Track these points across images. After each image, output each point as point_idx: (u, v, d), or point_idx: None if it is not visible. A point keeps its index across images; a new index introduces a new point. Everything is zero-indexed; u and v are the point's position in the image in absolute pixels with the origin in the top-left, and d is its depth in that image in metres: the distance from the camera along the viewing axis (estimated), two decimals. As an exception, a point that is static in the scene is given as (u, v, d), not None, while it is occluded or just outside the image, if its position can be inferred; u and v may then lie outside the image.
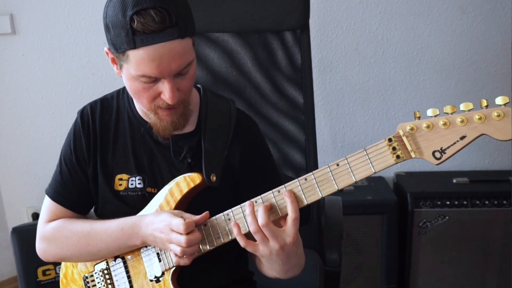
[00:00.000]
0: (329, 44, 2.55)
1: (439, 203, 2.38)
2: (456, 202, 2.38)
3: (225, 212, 1.24)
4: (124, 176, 1.36)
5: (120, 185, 1.36)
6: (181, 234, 1.20)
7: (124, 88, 1.41)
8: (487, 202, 2.37)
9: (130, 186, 1.36)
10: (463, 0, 2.49)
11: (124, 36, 1.15)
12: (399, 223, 2.43)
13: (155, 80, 1.20)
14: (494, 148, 2.64)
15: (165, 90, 1.20)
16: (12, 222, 2.73)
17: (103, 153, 1.38)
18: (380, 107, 2.62)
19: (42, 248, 1.42)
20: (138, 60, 1.16)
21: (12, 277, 2.77)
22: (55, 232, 1.39)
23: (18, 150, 2.73)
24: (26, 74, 2.63)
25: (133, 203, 1.36)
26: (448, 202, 2.38)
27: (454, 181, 2.48)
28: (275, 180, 1.26)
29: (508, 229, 2.36)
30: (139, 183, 1.35)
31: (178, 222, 1.21)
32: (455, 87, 2.58)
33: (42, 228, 1.42)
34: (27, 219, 2.77)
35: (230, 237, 1.24)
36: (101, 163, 1.37)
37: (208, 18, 1.82)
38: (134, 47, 1.15)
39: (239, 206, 1.22)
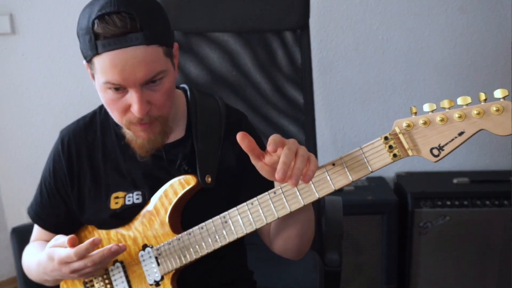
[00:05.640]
0: (329, 44, 2.55)
1: (439, 203, 2.38)
2: (457, 202, 2.38)
3: (222, 215, 1.22)
4: (120, 194, 1.32)
5: (116, 203, 1.32)
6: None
7: None
8: (487, 202, 2.37)
9: (127, 203, 1.32)
10: (463, 0, 2.49)
11: (88, 41, 1.12)
12: (399, 223, 2.42)
13: (123, 90, 1.16)
14: (495, 148, 2.64)
15: (133, 101, 1.16)
16: (12, 222, 2.73)
17: (94, 177, 1.34)
18: (380, 107, 2.61)
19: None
20: (102, 66, 1.13)
21: (12, 277, 2.77)
22: (24, 254, 1.43)
23: (18, 150, 2.73)
24: (26, 74, 2.63)
25: (130, 219, 1.33)
26: (448, 202, 2.38)
27: (455, 181, 2.48)
28: None
29: (509, 229, 2.36)
30: (137, 199, 1.31)
31: (68, 255, 1.18)
32: (455, 87, 2.58)
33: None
34: (27, 219, 2.75)
35: (228, 240, 1.22)
36: (93, 186, 1.33)
37: (208, 18, 1.82)
38: (97, 52, 1.12)
39: (235, 208, 1.20)
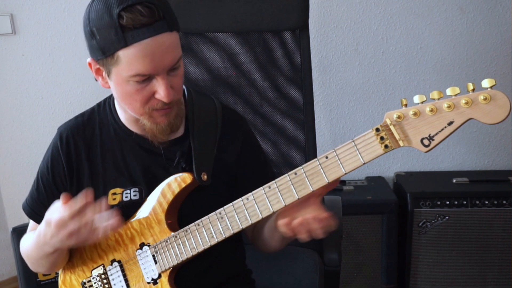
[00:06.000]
0: (329, 44, 2.55)
1: (439, 203, 2.38)
2: (456, 202, 2.38)
3: (218, 211, 1.23)
4: (118, 190, 1.33)
5: (114, 199, 1.33)
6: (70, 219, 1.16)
7: (104, 101, 1.39)
8: (487, 202, 2.37)
9: (124, 199, 1.33)
10: (463, 0, 2.49)
11: (114, 35, 1.12)
12: (399, 223, 2.42)
13: (148, 79, 1.18)
14: (494, 148, 2.64)
15: (159, 88, 1.18)
16: (12, 222, 2.73)
17: (92, 173, 1.34)
18: (380, 107, 2.62)
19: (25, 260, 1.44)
20: (131, 58, 1.14)
21: (12, 277, 2.77)
22: (21, 245, 1.43)
23: (18, 150, 2.73)
24: (26, 74, 2.63)
25: (127, 216, 1.32)
26: (448, 202, 2.38)
27: (454, 181, 2.48)
28: (268, 172, 1.26)
29: (508, 229, 2.36)
30: (135, 195, 1.33)
31: (58, 217, 1.17)
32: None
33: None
34: (27, 219, 2.76)
35: (224, 236, 1.24)
36: (91, 182, 1.34)
37: (208, 18, 1.83)
38: (126, 45, 1.13)
39: (231, 204, 1.22)
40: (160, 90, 1.18)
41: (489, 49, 2.53)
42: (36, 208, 1.40)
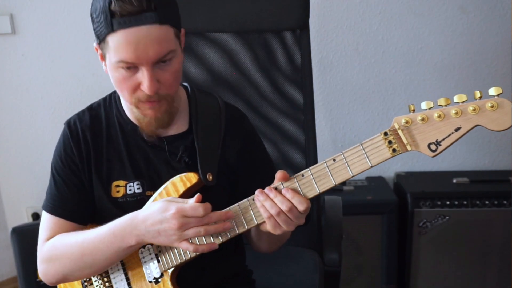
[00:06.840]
0: (329, 44, 2.55)
1: (439, 203, 2.38)
2: (456, 202, 2.38)
3: (223, 211, 1.22)
4: (121, 183, 1.34)
5: (118, 192, 1.33)
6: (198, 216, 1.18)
7: (111, 95, 1.40)
8: (487, 202, 2.37)
9: (128, 192, 1.33)
10: (463, 0, 2.49)
11: (104, 20, 1.16)
12: (399, 223, 2.43)
13: (134, 68, 1.19)
14: (494, 148, 2.64)
15: (144, 79, 1.19)
16: (12, 222, 2.73)
17: (97, 162, 1.34)
18: (380, 107, 2.62)
19: (41, 270, 1.36)
20: (116, 44, 1.16)
21: (12, 277, 2.77)
22: (51, 250, 1.33)
23: (18, 150, 2.73)
24: (26, 74, 2.63)
25: (132, 209, 1.31)
26: (448, 202, 2.38)
27: (454, 181, 2.48)
28: (272, 171, 1.26)
29: (508, 229, 2.36)
30: (138, 188, 1.33)
31: (193, 206, 1.18)
32: (455, 87, 2.58)
33: (40, 249, 1.35)
34: (27, 219, 2.77)
35: (229, 236, 1.23)
36: (96, 172, 1.34)
37: (208, 18, 1.83)
38: (112, 30, 1.15)
39: (236, 204, 1.22)
40: (144, 82, 1.19)
41: (489, 49, 2.53)
42: (59, 204, 1.34)
